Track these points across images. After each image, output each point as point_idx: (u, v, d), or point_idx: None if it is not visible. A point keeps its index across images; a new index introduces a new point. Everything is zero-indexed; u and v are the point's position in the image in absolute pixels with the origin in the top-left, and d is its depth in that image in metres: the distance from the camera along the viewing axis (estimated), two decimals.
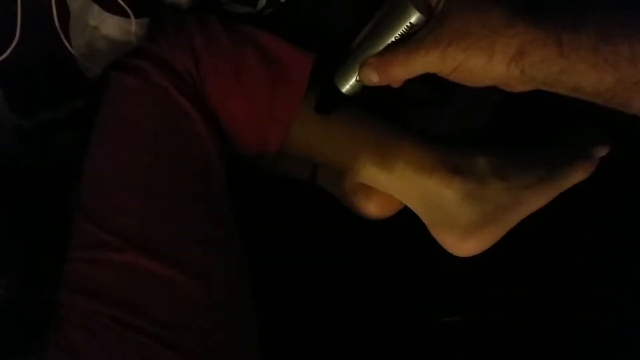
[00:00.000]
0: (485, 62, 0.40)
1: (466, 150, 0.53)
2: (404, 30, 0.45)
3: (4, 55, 0.47)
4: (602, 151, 0.53)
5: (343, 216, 0.57)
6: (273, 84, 0.52)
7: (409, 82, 0.47)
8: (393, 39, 0.45)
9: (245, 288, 0.49)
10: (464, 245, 0.52)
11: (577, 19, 0.37)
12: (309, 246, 0.58)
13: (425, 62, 0.42)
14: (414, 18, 0.44)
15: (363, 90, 0.50)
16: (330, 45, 0.55)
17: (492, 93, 0.55)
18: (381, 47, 0.46)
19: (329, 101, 0.52)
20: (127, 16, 0.48)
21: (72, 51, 0.49)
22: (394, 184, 0.53)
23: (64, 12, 0.47)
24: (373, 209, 0.56)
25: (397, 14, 0.45)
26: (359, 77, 0.48)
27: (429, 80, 0.48)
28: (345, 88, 0.50)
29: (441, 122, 0.56)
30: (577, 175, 0.52)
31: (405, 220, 0.55)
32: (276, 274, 0.55)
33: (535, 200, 0.52)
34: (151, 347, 0.41)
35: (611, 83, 0.37)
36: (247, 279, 0.49)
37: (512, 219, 0.51)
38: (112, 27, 0.49)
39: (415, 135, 0.54)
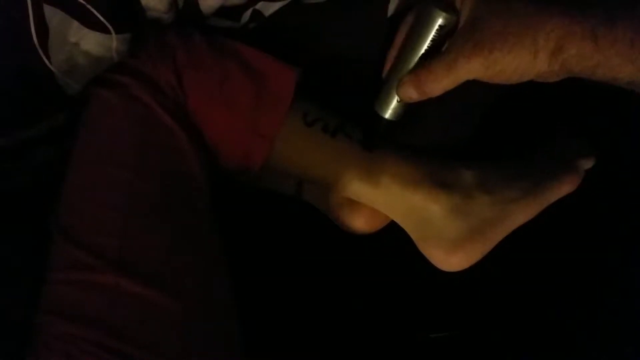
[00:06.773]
0: (530, 60, 0.39)
1: (452, 163, 0.53)
2: (434, 35, 0.44)
3: None
4: (587, 163, 0.53)
5: (330, 231, 0.56)
6: (257, 99, 0.51)
7: None
8: (426, 47, 0.44)
9: (229, 307, 0.48)
10: (451, 259, 0.51)
11: (612, 13, 0.37)
12: (296, 262, 0.57)
13: (467, 70, 0.41)
14: (441, 19, 0.43)
15: (405, 110, 0.49)
16: (317, 59, 0.54)
17: (476, 103, 0.55)
18: (415, 60, 0.45)
19: (375, 132, 0.51)
20: (108, 32, 0.48)
21: (52, 68, 0.48)
22: (380, 199, 0.53)
23: (43, 29, 0.46)
24: (359, 223, 0.55)
25: (423, 22, 0.44)
26: (399, 97, 0.47)
27: None
28: (388, 113, 0.49)
29: (426, 135, 0.56)
30: (564, 188, 0.52)
31: (392, 235, 0.54)
32: (262, 290, 0.54)
33: (522, 214, 0.51)
34: None
35: None
36: (231, 297, 0.49)
37: (499, 233, 0.51)
38: (92, 43, 0.48)
39: (400, 148, 0.54)
